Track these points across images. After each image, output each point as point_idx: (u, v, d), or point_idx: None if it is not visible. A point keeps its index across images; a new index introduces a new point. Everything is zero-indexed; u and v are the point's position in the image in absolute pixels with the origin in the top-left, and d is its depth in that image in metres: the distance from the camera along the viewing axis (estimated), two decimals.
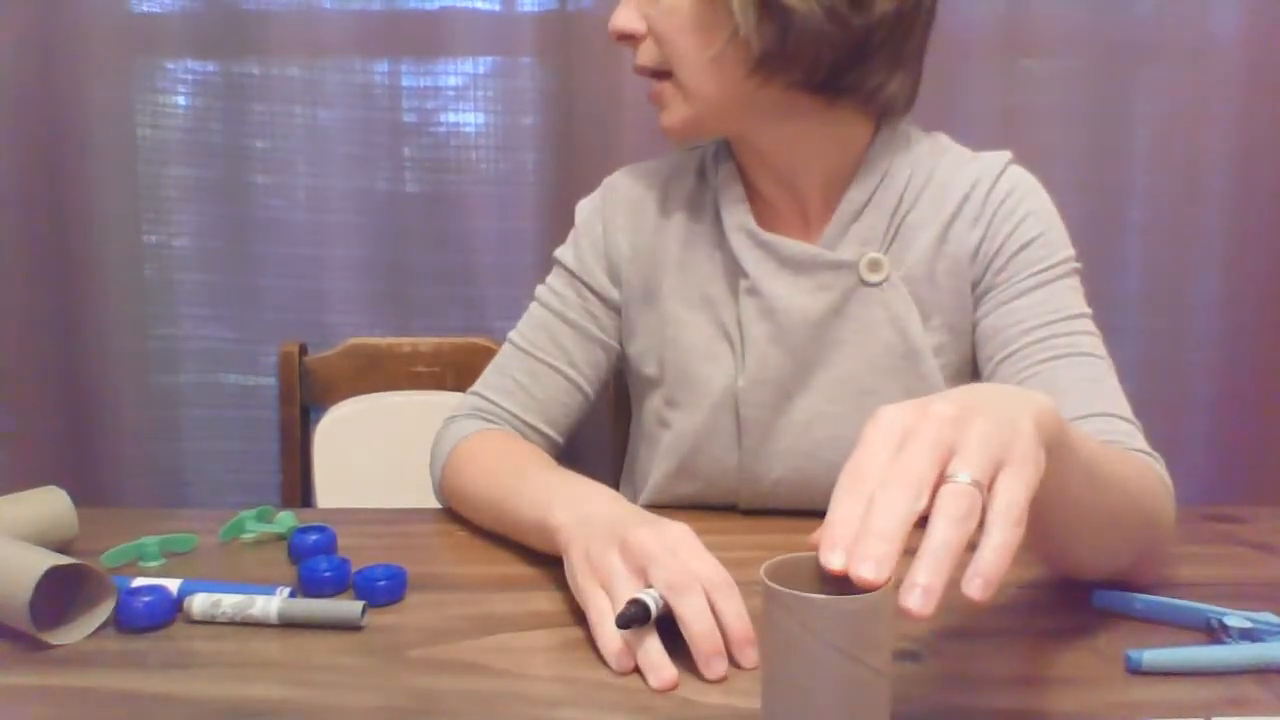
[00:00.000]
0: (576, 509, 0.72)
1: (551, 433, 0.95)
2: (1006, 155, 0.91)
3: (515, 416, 0.95)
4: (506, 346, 0.98)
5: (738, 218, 0.89)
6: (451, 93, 1.40)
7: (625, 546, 0.64)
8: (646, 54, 0.87)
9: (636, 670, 0.60)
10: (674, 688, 0.58)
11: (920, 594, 0.43)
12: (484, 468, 0.88)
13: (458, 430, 0.94)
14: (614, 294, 0.95)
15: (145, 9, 1.36)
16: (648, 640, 0.60)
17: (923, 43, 0.87)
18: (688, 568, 0.62)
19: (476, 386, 0.98)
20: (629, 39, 0.87)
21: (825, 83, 0.84)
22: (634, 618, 0.59)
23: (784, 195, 0.90)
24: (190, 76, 1.38)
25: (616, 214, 0.95)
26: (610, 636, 0.62)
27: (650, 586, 0.62)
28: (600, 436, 1.39)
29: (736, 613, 0.61)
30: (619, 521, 0.67)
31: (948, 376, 0.88)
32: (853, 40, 0.81)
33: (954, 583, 0.45)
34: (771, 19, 0.79)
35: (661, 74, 0.86)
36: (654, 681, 0.59)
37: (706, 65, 0.83)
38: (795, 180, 0.89)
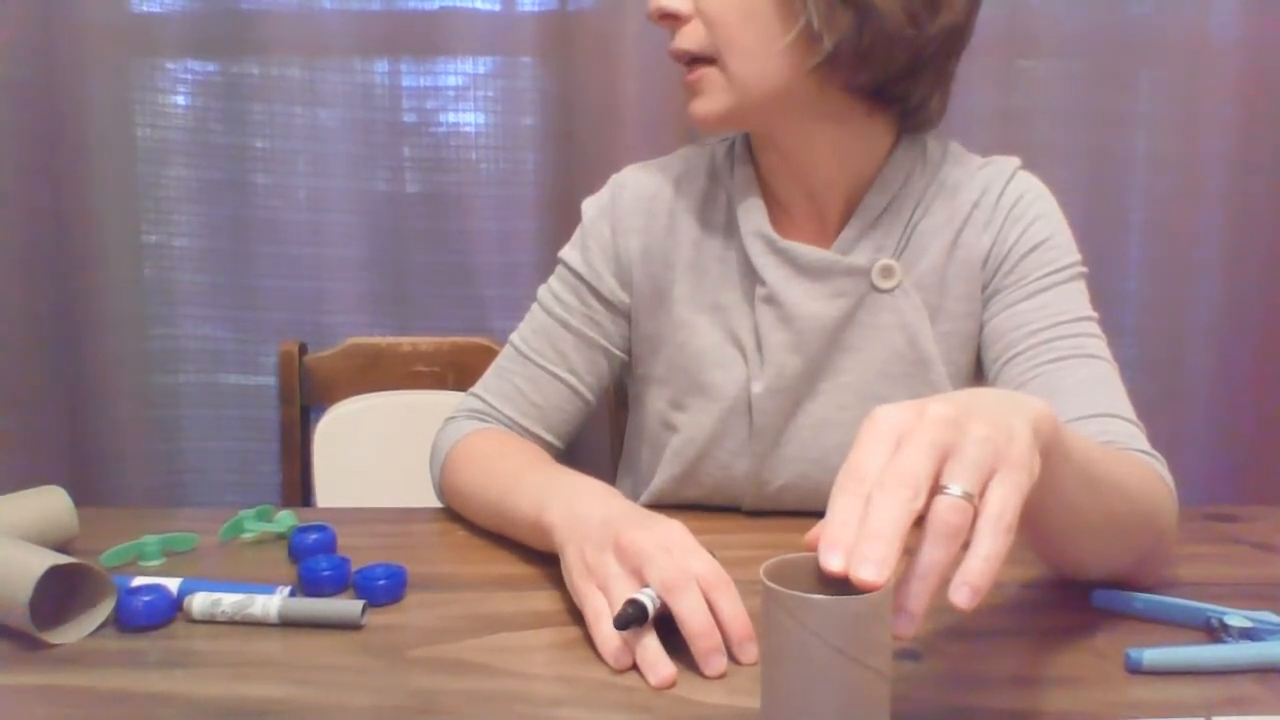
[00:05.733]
0: (570, 507, 0.72)
1: (551, 439, 0.95)
2: (1015, 161, 0.91)
3: (514, 422, 0.94)
4: (508, 349, 0.96)
5: (755, 223, 0.88)
6: (451, 93, 1.40)
7: (620, 547, 0.64)
8: (690, 38, 0.82)
9: (635, 669, 0.60)
10: (672, 685, 0.58)
11: (904, 619, 0.45)
12: (481, 467, 0.87)
13: (456, 430, 0.93)
14: (623, 297, 0.93)
15: (145, 9, 1.36)
16: (645, 639, 0.60)
17: (957, 64, 0.86)
18: (683, 566, 0.62)
19: (476, 388, 0.97)
20: (671, 19, 0.83)
21: (879, 90, 0.83)
22: (632, 619, 0.59)
23: (801, 198, 0.89)
24: (190, 76, 1.38)
25: (626, 214, 0.92)
26: (608, 636, 0.62)
27: (647, 586, 0.62)
28: (600, 436, 1.39)
29: (734, 610, 0.61)
30: (613, 521, 0.67)
31: (954, 385, 0.88)
32: (915, 48, 0.80)
33: (950, 584, 0.45)
34: (850, 15, 0.77)
35: (702, 59, 0.83)
36: (652, 680, 0.59)
37: (766, 56, 0.80)
38: (815, 183, 0.88)
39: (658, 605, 0.61)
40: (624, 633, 0.61)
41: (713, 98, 0.83)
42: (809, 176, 0.88)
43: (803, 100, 0.82)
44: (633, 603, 0.60)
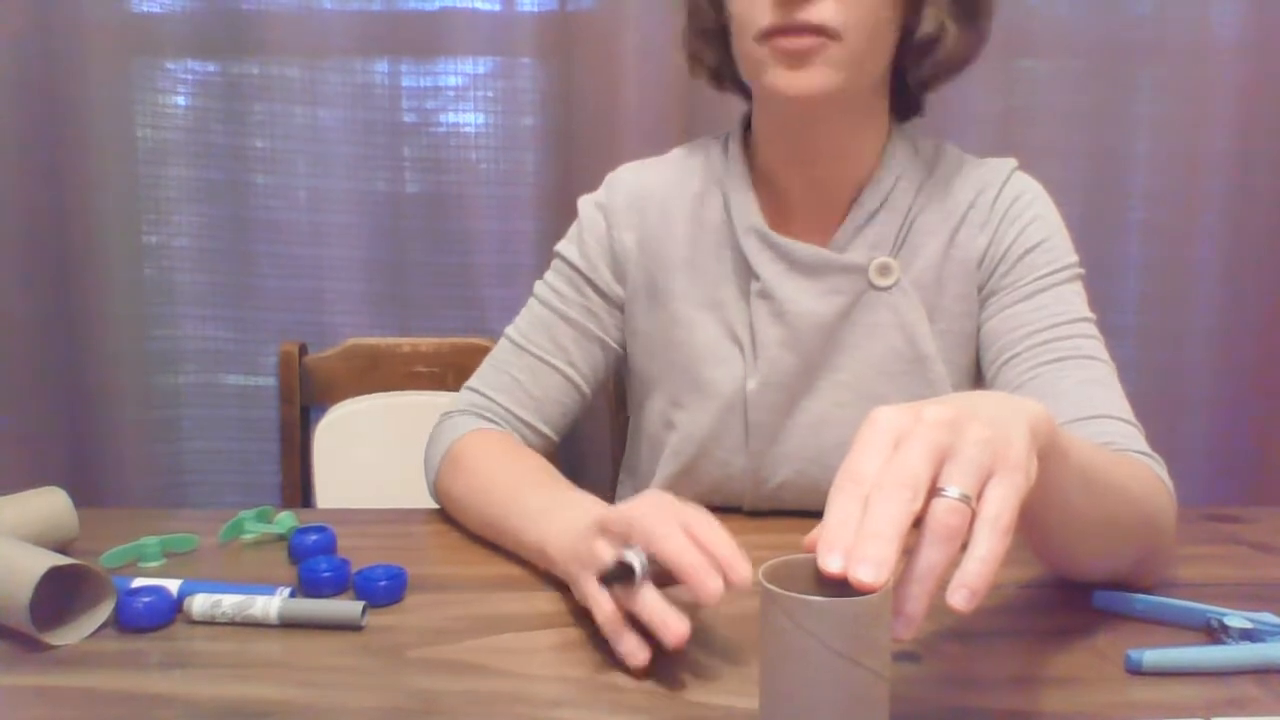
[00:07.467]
0: (568, 537, 0.69)
1: (548, 431, 0.94)
2: (1012, 162, 0.91)
3: (512, 414, 0.93)
4: (503, 342, 0.96)
5: (750, 219, 0.88)
6: (451, 93, 1.40)
7: (604, 527, 0.64)
8: (823, 12, 0.77)
9: (642, 671, 0.60)
10: (684, 642, 0.58)
11: (902, 622, 0.45)
12: (479, 481, 0.86)
13: (453, 429, 0.93)
14: (618, 291, 0.94)
15: (145, 9, 1.36)
16: (645, 595, 0.59)
17: None
18: (663, 515, 0.61)
19: (472, 382, 0.97)
20: None
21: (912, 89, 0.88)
22: (616, 575, 0.59)
23: (807, 194, 0.89)
24: (190, 76, 1.38)
25: (622, 209, 0.93)
26: (608, 613, 0.61)
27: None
28: (600, 436, 1.39)
29: (715, 535, 0.60)
30: (599, 515, 0.66)
31: (953, 382, 0.88)
32: (972, 58, 0.86)
33: (948, 586, 0.45)
34: (955, 28, 0.83)
35: (824, 33, 0.78)
36: (667, 639, 0.57)
37: (882, 44, 0.81)
38: (823, 178, 0.88)
39: (646, 566, 0.59)
40: (624, 598, 0.60)
41: (825, 73, 0.79)
42: (816, 171, 0.88)
43: (867, 93, 0.85)
44: (620, 561, 0.59)
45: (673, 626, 0.58)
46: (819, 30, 0.77)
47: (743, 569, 0.59)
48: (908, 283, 0.87)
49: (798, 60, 0.78)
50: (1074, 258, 0.88)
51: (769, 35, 0.79)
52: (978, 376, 0.90)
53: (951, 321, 0.88)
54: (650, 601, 0.59)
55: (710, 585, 0.57)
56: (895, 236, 0.87)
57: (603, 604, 0.62)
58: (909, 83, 0.88)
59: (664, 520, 0.60)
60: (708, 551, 0.59)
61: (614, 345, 0.95)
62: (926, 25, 0.82)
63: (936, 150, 0.91)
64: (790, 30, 0.78)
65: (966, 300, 0.88)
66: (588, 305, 0.94)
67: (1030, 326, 0.84)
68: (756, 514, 0.91)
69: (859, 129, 0.87)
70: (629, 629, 0.60)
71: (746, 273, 0.88)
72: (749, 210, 0.88)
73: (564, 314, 0.94)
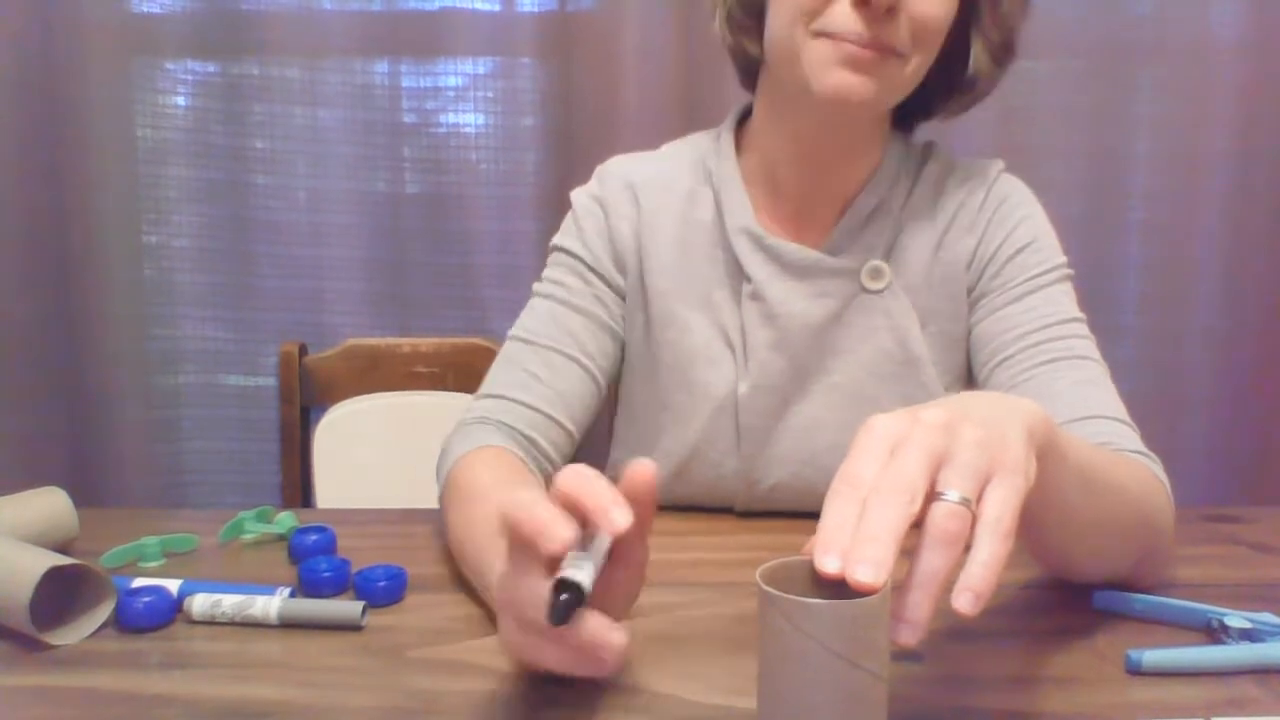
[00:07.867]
0: None
1: (572, 427, 0.89)
2: (999, 163, 0.91)
3: (535, 410, 0.86)
4: (509, 344, 0.91)
5: (742, 219, 0.88)
6: (451, 93, 1.40)
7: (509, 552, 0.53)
8: (897, 35, 0.76)
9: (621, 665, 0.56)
10: (623, 653, 0.49)
11: (906, 629, 0.45)
12: (466, 516, 0.75)
13: (460, 442, 0.84)
14: (619, 280, 0.92)
15: (145, 9, 1.36)
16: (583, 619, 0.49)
17: None
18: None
19: (484, 388, 0.89)
20: (891, 11, 0.76)
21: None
22: (568, 604, 0.47)
23: (810, 193, 0.88)
24: (190, 77, 1.39)
25: (615, 200, 0.91)
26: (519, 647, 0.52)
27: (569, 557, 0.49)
28: (600, 434, 1.39)
29: (590, 487, 0.49)
30: None
31: (944, 384, 0.88)
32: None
33: (950, 585, 0.45)
34: (991, 67, 0.85)
35: (894, 53, 0.78)
36: (608, 656, 0.49)
37: (926, 69, 0.81)
38: (830, 179, 0.88)
39: (598, 565, 0.49)
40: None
41: (884, 86, 0.78)
42: (821, 171, 0.88)
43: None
44: (561, 584, 0.47)
45: (610, 644, 0.49)
46: (890, 50, 0.77)
47: (617, 517, 0.48)
48: (898, 286, 0.87)
49: (862, 66, 0.77)
50: (1063, 258, 0.87)
51: (835, 34, 0.76)
52: (969, 379, 0.90)
53: (942, 324, 0.88)
54: (585, 623, 0.49)
55: (555, 535, 0.47)
56: (887, 240, 0.87)
57: (504, 642, 0.53)
58: (932, 109, 0.90)
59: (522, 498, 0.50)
60: (577, 506, 0.50)
61: (622, 335, 0.93)
62: (974, 64, 0.84)
63: (926, 151, 0.91)
64: (867, 46, 0.76)
65: (956, 302, 0.88)
66: (594, 293, 0.91)
67: (1022, 328, 0.84)
68: (749, 514, 0.91)
69: (871, 134, 0.87)
70: (572, 650, 0.50)
71: (738, 274, 0.88)
72: (741, 210, 0.88)
73: (572, 304, 0.90)
